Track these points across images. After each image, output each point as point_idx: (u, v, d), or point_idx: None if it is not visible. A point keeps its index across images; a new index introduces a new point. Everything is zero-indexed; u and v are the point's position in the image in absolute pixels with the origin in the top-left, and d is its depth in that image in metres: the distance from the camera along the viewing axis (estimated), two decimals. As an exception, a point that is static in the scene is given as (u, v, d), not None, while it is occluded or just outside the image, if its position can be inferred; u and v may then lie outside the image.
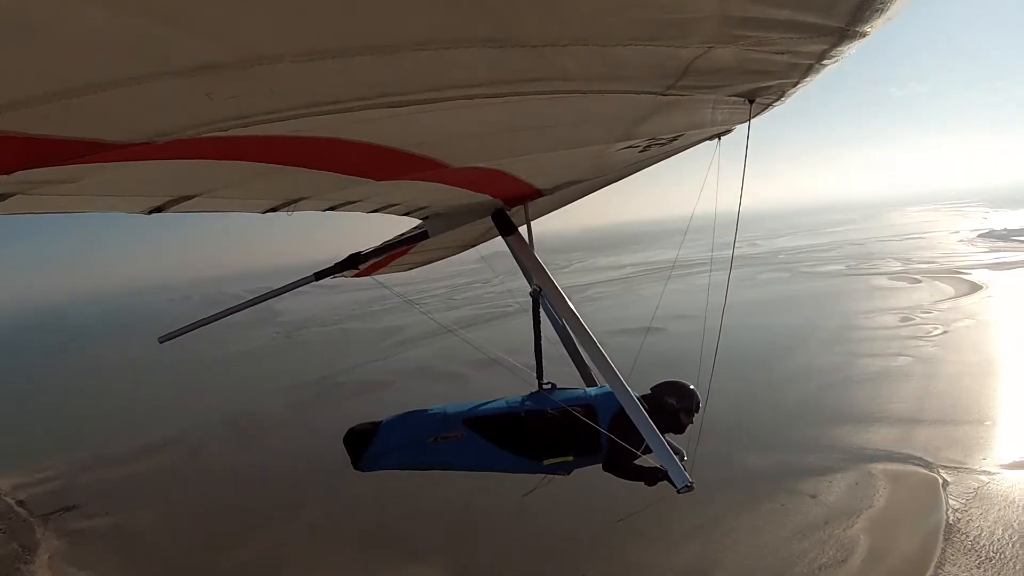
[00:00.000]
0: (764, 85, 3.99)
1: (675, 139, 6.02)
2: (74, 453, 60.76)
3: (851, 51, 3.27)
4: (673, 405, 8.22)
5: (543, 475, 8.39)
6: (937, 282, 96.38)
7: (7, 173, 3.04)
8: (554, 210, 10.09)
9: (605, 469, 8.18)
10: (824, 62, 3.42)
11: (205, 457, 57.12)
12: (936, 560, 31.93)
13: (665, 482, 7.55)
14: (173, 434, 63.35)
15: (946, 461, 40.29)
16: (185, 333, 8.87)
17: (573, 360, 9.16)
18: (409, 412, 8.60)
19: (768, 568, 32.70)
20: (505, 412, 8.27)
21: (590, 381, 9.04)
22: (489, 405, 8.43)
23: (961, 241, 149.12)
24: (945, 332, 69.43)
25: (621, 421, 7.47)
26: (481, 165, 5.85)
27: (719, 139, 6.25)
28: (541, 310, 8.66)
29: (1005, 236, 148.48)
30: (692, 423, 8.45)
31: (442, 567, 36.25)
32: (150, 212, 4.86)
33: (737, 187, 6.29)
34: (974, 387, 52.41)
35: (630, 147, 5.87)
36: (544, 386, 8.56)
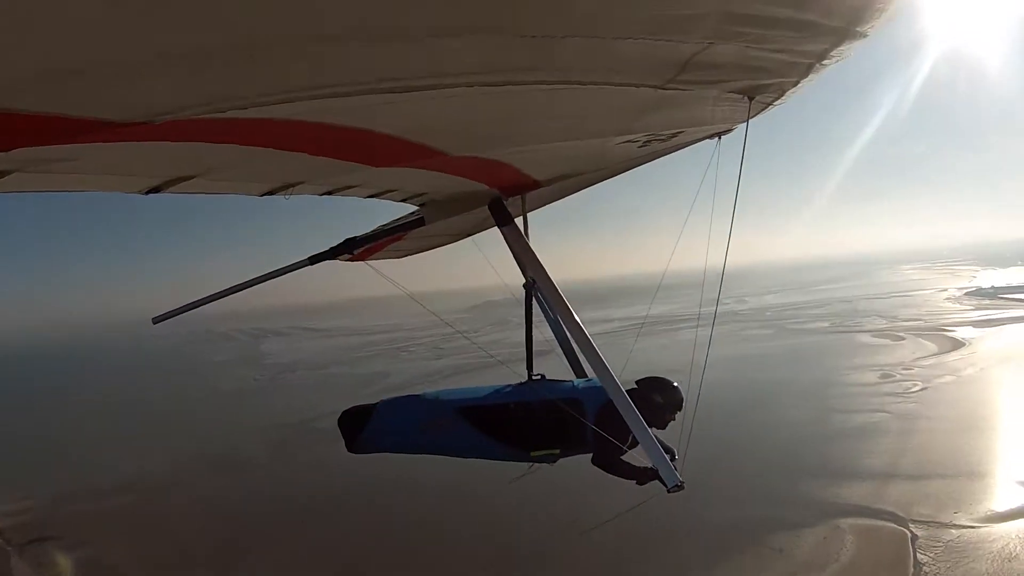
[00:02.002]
0: (764, 82, 4.20)
1: (675, 136, 6.20)
2: (53, 485, 60.97)
3: (852, 51, 3.46)
4: (658, 401, 8.58)
5: (530, 463, 8.79)
6: (921, 339, 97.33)
7: (6, 151, 3.13)
8: (552, 202, 10.14)
9: (594, 463, 8.50)
10: (824, 62, 3.66)
11: (183, 494, 57.51)
12: (900, 614, 32.37)
13: (645, 486, 7.99)
14: (152, 470, 63.78)
15: (917, 516, 40.86)
16: (179, 314, 9.07)
17: (563, 352, 9.50)
18: (404, 397, 8.97)
19: (732, 623, 33.03)
20: (495, 403, 8.55)
21: (580, 373, 9.40)
22: (480, 394, 8.74)
23: (948, 299, 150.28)
24: (924, 388, 70.32)
25: (607, 414, 7.58)
26: (479, 154, 5.99)
27: (719, 138, 6.41)
28: (534, 302, 9.10)
29: (992, 294, 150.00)
30: (674, 420, 8.85)
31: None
32: (147, 192, 4.97)
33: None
34: (950, 442, 53.13)
35: (629, 142, 6.03)
36: (534, 377, 8.99)
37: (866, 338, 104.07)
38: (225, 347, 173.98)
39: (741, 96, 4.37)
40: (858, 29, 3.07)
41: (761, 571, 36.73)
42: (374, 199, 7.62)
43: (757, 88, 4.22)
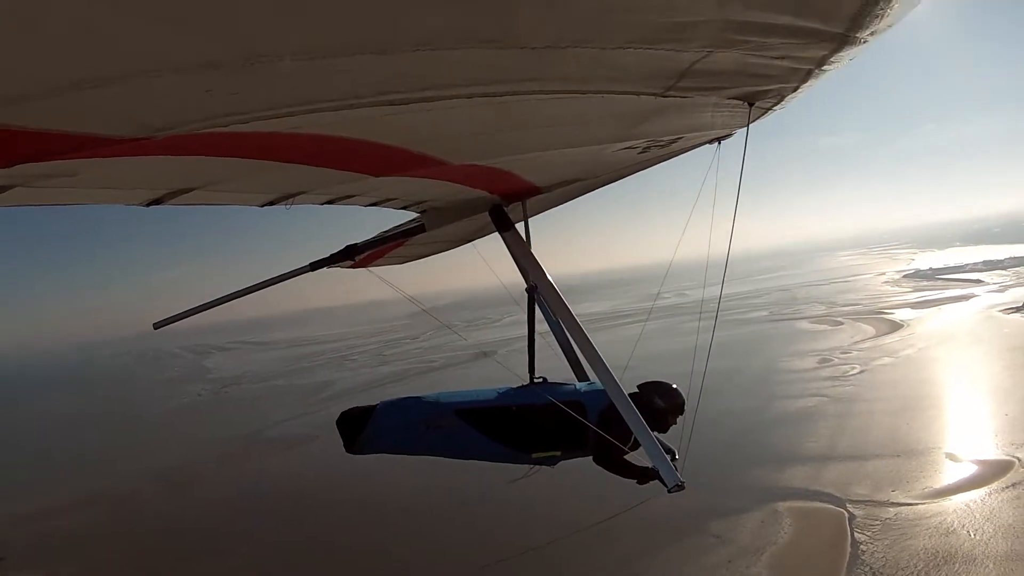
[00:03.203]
0: (764, 89, 4.22)
1: (674, 141, 6.32)
2: (3, 505, 60.84)
3: (852, 57, 3.47)
4: (660, 405, 8.88)
5: (530, 465, 9.00)
6: (859, 323, 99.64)
7: (7, 166, 3.17)
8: (553, 207, 10.47)
9: (596, 462, 8.78)
10: (824, 67, 3.68)
11: (135, 511, 57.58)
12: (838, 592, 33.51)
13: (638, 487, 8.27)
14: (103, 488, 63.84)
15: (854, 496, 42.09)
16: (179, 320, 9.06)
17: (565, 355, 9.73)
18: (403, 398, 9.06)
19: (671, 609, 33.89)
20: (496, 405, 8.76)
21: (581, 376, 9.64)
22: (481, 396, 8.91)
23: (887, 282, 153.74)
24: (862, 371, 72.18)
25: (609, 417, 7.89)
26: (480, 162, 6.09)
27: (719, 143, 6.60)
28: (536, 307, 9.32)
29: (931, 276, 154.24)
30: (675, 424, 9.14)
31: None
32: (148, 204, 5.03)
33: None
34: (888, 423, 54.75)
35: (629, 148, 6.12)
36: (536, 380, 9.23)
37: (805, 324, 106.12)
38: (171, 365, 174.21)
39: (741, 102, 4.46)
40: (858, 35, 3.09)
41: (701, 558, 37.58)
42: (375, 207, 7.73)
43: (757, 94, 4.32)
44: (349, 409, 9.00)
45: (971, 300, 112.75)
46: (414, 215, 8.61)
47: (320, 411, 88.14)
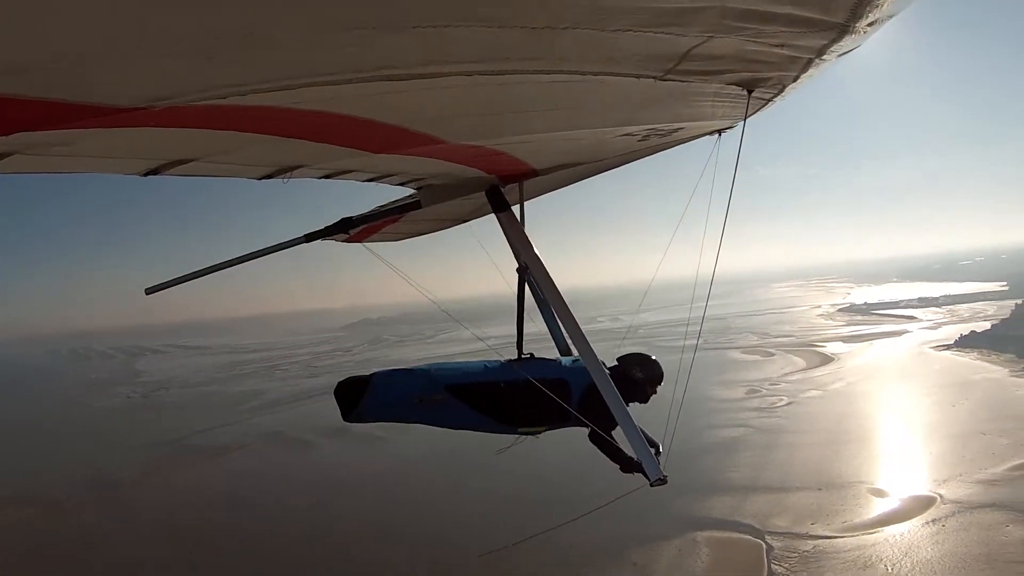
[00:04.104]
0: (763, 76, 4.22)
1: (675, 131, 6.31)
2: None
3: (852, 47, 3.54)
4: (638, 375, 8.98)
5: (517, 436, 9.07)
6: (790, 355, 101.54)
7: (6, 134, 3.17)
8: (550, 191, 10.29)
9: (590, 439, 8.84)
10: (824, 57, 3.67)
11: (58, 513, 56.92)
12: (752, 623, 34.07)
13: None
14: (25, 489, 63.07)
15: (774, 527, 42.85)
16: (173, 285, 8.84)
17: (551, 333, 9.78)
18: (396, 370, 9.04)
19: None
20: (484, 381, 8.85)
21: (565, 352, 9.72)
22: (470, 370, 8.89)
23: (821, 315, 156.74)
24: (790, 403, 73.63)
25: (593, 394, 8.03)
26: (478, 143, 6.11)
27: (719, 135, 6.49)
28: (527, 286, 9.36)
29: (865, 310, 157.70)
30: (656, 393, 9.21)
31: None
32: (146, 174, 4.98)
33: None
34: (812, 456, 55.80)
35: (628, 135, 6.17)
36: (524, 356, 9.27)
37: (736, 354, 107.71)
38: (101, 365, 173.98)
39: (740, 89, 4.43)
40: (858, 25, 3.11)
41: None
42: (372, 182, 7.74)
43: (756, 81, 4.30)
44: (346, 379, 8.99)
45: (904, 336, 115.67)
46: (411, 191, 8.57)
47: (246, 421, 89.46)
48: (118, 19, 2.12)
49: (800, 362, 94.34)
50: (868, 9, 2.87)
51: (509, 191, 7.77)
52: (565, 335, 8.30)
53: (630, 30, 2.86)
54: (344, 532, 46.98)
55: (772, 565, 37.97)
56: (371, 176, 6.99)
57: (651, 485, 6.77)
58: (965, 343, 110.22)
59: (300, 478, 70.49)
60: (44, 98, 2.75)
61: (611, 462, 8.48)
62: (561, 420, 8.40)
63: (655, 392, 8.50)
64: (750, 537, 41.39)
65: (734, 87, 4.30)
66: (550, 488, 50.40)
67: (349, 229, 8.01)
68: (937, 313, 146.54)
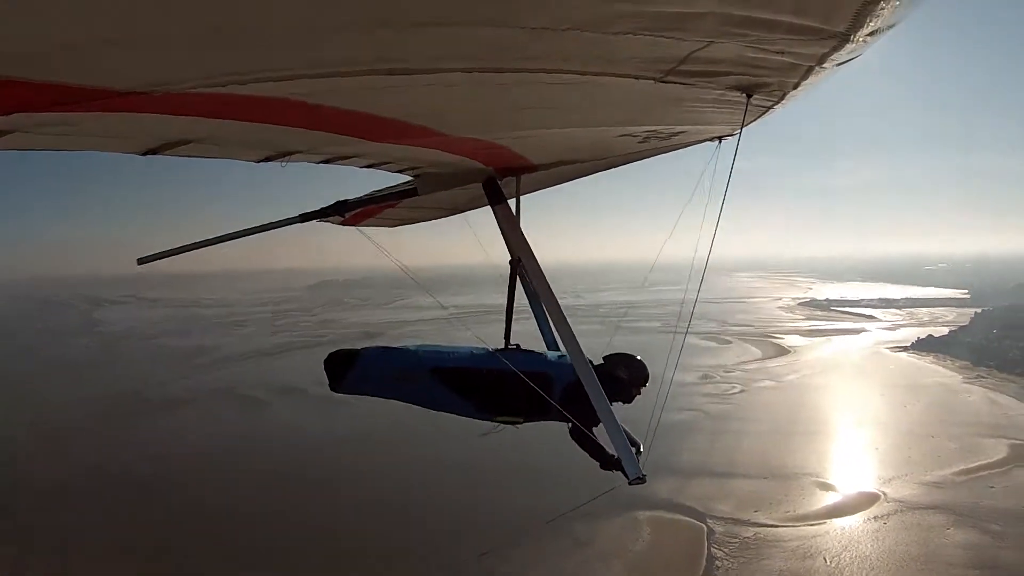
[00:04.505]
0: (763, 81, 4.18)
1: (675, 135, 6.29)
2: None
3: (853, 56, 3.51)
4: (623, 376, 8.94)
5: (496, 424, 9.05)
6: (747, 344, 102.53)
7: (5, 114, 3.21)
8: (547, 187, 10.28)
9: (571, 435, 8.82)
10: (824, 65, 3.66)
11: (7, 466, 56.60)
12: (689, 605, 34.50)
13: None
14: None
15: (716, 512, 43.42)
16: (165, 257, 8.73)
17: (539, 326, 9.77)
18: (386, 348, 9.02)
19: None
20: (468, 367, 8.86)
21: (552, 346, 9.71)
22: (456, 355, 8.94)
23: (781, 308, 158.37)
24: (743, 391, 74.52)
25: (574, 391, 8.00)
26: (478, 136, 6.13)
27: (719, 141, 6.36)
28: (518, 279, 9.34)
29: (825, 306, 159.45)
30: (640, 395, 9.18)
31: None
32: (145, 154, 5.03)
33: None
34: (760, 444, 56.53)
35: (628, 135, 6.18)
36: (510, 347, 9.24)
37: (694, 340, 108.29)
38: (61, 313, 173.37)
39: (740, 94, 4.39)
40: (858, 35, 3.09)
41: (558, 558, 38.20)
42: (371, 168, 7.66)
43: (756, 86, 4.27)
44: (336, 351, 9.07)
45: (861, 335, 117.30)
46: (409, 178, 8.56)
47: (198, 375, 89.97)
48: (117, 5, 2.11)
49: (756, 352, 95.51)
50: (869, 18, 2.89)
51: (506, 184, 7.77)
52: (553, 329, 8.04)
53: (631, 33, 2.87)
54: (284, 491, 47.12)
55: (712, 548, 38.52)
56: (369, 163, 6.98)
57: (629, 483, 6.83)
58: (922, 346, 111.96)
59: (244, 435, 70.21)
60: (44, 80, 2.77)
61: (591, 459, 8.57)
62: (541, 413, 8.43)
63: (639, 393, 8.54)
64: (692, 520, 42.04)
65: (734, 92, 4.29)
66: (500, 460, 50.25)
67: (344, 212, 8.03)
68: (897, 315, 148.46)
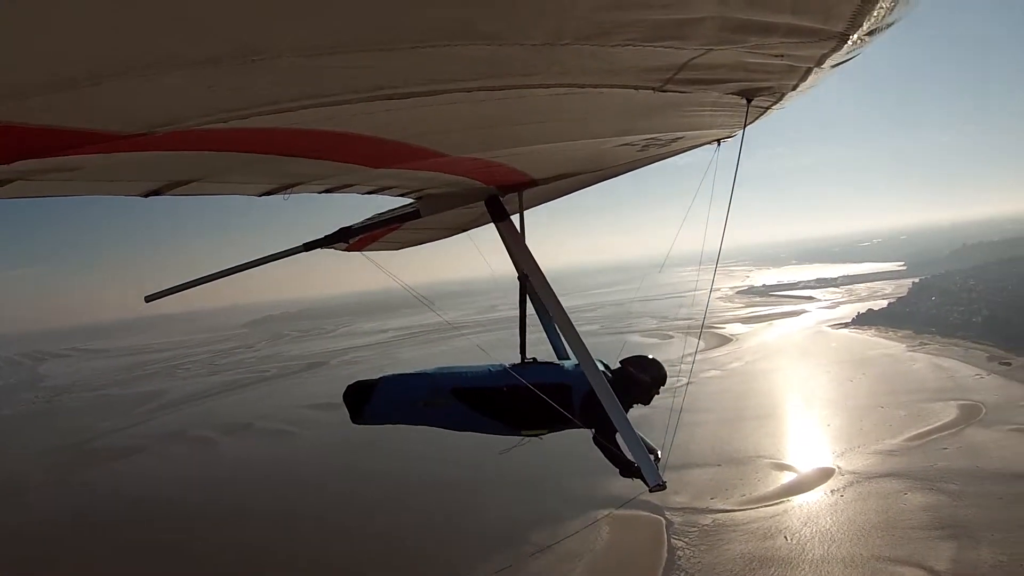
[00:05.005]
0: (762, 85, 4.25)
1: (674, 140, 6.43)
2: None
3: (851, 56, 3.55)
4: (643, 378, 8.96)
5: (521, 438, 9.02)
6: (690, 337, 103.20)
7: (8, 162, 3.18)
8: (549, 201, 10.27)
9: (594, 441, 8.83)
10: (823, 66, 3.67)
11: None
12: (654, 597, 34.81)
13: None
14: None
15: (673, 504, 43.84)
16: (171, 294, 8.60)
17: (550, 340, 9.79)
18: (403, 375, 8.97)
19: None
20: (488, 386, 8.83)
21: (563, 356, 9.70)
22: (473, 374, 8.92)
23: (720, 298, 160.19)
24: (690, 384, 74.97)
25: (594, 397, 8.01)
26: (478, 155, 6.14)
27: (719, 143, 6.65)
28: (527, 293, 9.33)
29: (764, 292, 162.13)
30: (658, 394, 9.23)
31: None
32: (147, 195, 4.98)
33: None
34: (710, 433, 57.26)
35: (628, 144, 6.23)
36: (527, 360, 9.21)
37: (636, 338, 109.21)
38: (4, 371, 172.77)
39: (739, 98, 4.48)
40: (857, 34, 3.10)
41: (521, 565, 38.34)
42: (372, 194, 7.63)
43: (755, 90, 4.36)
44: (354, 383, 9.07)
45: (801, 316, 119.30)
46: (411, 201, 8.60)
47: (147, 422, 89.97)
48: (117, 48, 2.16)
49: (699, 344, 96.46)
50: (867, 18, 2.90)
51: (508, 200, 7.85)
52: (564, 341, 8.19)
53: (629, 44, 2.88)
54: (243, 526, 47.06)
55: (672, 540, 38.99)
56: (371, 189, 6.97)
57: (650, 491, 6.98)
58: (862, 321, 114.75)
59: (200, 476, 69.90)
60: (46, 126, 2.76)
61: (612, 465, 8.73)
62: (564, 423, 8.56)
63: (658, 393, 8.72)
64: (649, 514, 42.39)
65: (733, 96, 4.39)
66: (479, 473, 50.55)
67: (348, 238, 8.10)
68: (835, 293, 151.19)
